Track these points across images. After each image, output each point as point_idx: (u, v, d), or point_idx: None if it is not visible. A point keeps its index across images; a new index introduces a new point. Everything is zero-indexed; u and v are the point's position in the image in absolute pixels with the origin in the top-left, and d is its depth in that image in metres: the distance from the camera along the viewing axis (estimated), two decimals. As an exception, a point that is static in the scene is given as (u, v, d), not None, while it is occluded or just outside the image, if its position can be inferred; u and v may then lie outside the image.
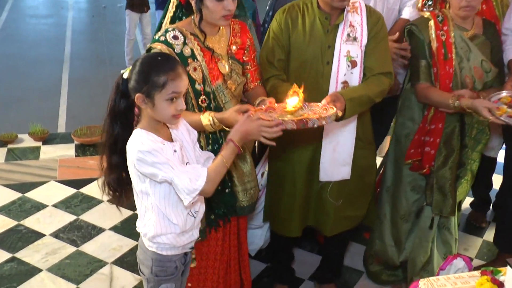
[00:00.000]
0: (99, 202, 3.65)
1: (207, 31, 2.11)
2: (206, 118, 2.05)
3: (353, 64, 2.26)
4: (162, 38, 2.05)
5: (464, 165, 2.53)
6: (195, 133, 1.98)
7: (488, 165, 3.19)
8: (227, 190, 2.26)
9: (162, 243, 1.87)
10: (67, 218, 3.50)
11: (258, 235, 2.81)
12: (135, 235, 3.18)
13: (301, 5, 2.31)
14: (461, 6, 2.33)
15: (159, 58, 1.73)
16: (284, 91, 2.15)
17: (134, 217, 3.11)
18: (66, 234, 3.34)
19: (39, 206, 3.61)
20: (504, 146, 3.06)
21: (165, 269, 1.92)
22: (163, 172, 1.70)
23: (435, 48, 2.37)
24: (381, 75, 2.27)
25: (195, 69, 2.08)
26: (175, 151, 1.79)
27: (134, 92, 1.72)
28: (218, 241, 2.37)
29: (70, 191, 3.81)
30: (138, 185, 1.80)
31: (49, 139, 4.56)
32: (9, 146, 4.41)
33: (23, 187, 3.82)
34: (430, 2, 2.46)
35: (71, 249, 3.20)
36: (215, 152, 2.09)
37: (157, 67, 1.69)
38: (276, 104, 1.99)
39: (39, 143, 4.49)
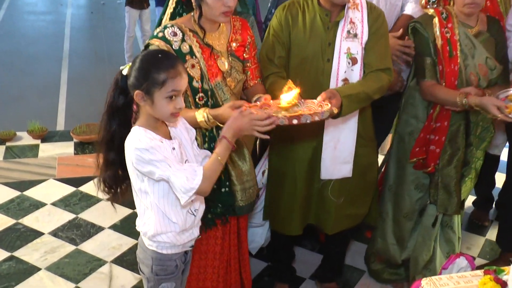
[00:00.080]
0: (99, 200, 3.65)
1: (206, 27, 2.10)
2: (201, 115, 2.04)
3: (354, 61, 2.26)
4: (160, 34, 2.05)
5: (469, 163, 2.53)
6: (194, 131, 1.98)
7: (491, 163, 3.19)
8: (223, 190, 2.24)
9: (162, 241, 1.86)
10: (66, 216, 3.50)
11: (259, 233, 2.81)
12: (135, 234, 3.18)
13: (301, 2, 2.31)
14: (465, 3, 2.32)
15: (159, 55, 1.73)
16: (282, 87, 2.14)
17: (133, 216, 3.11)
18: (65, 232, 3.34)
19: (37, 205, 3.61)
20: (507, 144, 3.06)
21: (165, 268, 1.92)
22: (160, 170, 1.70)
23: (440, 46, 2.36)
24: (379, 71, 2.26)
25: (193, 66, 2.07)
26: (173, 148, 1.79)
27: (133, 89, 1.72)
28: (217, 240, 2.37)
29: (69, 189, 3.81)
30: (137, 183, 1.80)
31: (48, 137, 4.56)
32: (8, 144, 4.41)
33: (22, 185, 3.82)
34: (434, -1, 2.45)
35: (70, 247, 3.20)
36: (212, 150, 2.08)
37: (157, 64, 1.69)
38: (271, 100, 1.99)
39: (37, 141, 4.48)
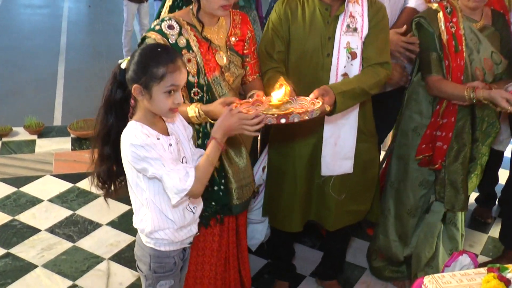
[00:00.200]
0: (96, 196, 3.64)
1: (205, 21, 2.09)
2: (192, 110, 2.04)
3: (353, 55, 2.25)
4: (157, 28, 2.04)
5: (475, 159, 2.54)
6: (191, 129, 1.98)
7: (494, 159, 3.18)
8: (216, 188, 2.23)
9: (160, 238, 1.86)
10: (63, 213, 3.49)
11: (259, 230, 2.81)
12: (133, 231, 3.17)
13: None
14: None
15: (159, 49, 1.72)
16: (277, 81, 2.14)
17: (131, 212, 3.09)
18: (62, 229, 3.33)
19: (34, 201, 3.61)
20: (512, 140, 3.06)
21: (163, 265, 1.91)
22: (153, 168, 1.70)
23: (445, 40, 2.35)
24: (377, 65, 2.25)
25: (189, 60, 2.06)
26: (170, 145, 1.79)
27: (131, 83, 1.71)
28: (214, 237, 2.36)
29: (66, 185, 3.80)
30: (133, 179, 1.80)
31: (44, 132, 4.55)
32: (4, 139, 4.40)
33: (18, 181, 3.81)
34: (438, -6, 2.44)
35: (67, 244, 3.20)
36: (206, 146, 2.08)
37: (156, 59, 1.68)
38: (264, 97, 1.97)
39: (34, 137, 4.48)
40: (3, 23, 8.30)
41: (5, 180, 3.82)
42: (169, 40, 2.02)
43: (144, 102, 1.73)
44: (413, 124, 2.58)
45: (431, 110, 2.51)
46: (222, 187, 2.23)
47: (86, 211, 3.51)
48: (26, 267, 3.00)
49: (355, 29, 2.24)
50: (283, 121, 1.81)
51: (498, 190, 3.51)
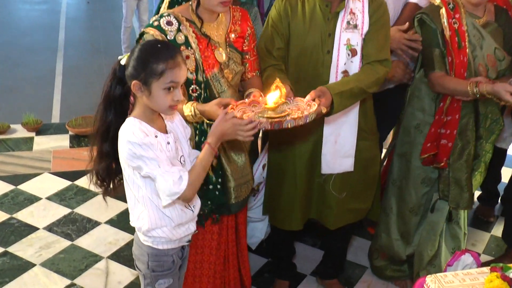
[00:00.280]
0: (95, 194, 3.64)
1: (204, 17, 2.09)
2: (188, 109, 2.04)
3: (353, 52, 2.24)
4: (156, 23, 2.03)
5: (479, 156, 2.53)
6: (189, 130, 1.98)
7: (497, 157, 3.18)
8: (211, 187, 2.22)
9: (158, 236, 1.86)
10: (61, 211, 3.49)
11: (258, 228, 2.81)
12: (132, 229, 3.12)
13: None
14: None
15: (159, 45, 1.72)
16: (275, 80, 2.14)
17: (130, 210, 3.10)
18: (61, 227, 3.33)
19: (32, 199, 3.60)
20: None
21: (161, 264, 1.91)
22: (148, 168, 1.69)
23: (448, 37, 2.35)
24: (376, 63, 2.24)
25: (187, 57, 2.05)
26: (168, 143, 1.78)
27: (130, 79, 1.71)
28: (213, 235, 2.36)
29: (65, 183, 3.80)
30: (129, 176, 1.79)
31: (42, 129, 4.54)
32: (1, 136, 4.40)
33: (16, 179, 3.81)
34: (440, -11, 2.43)
35: (65, 243, 3.19)
36: (200, 145, 2.09)
37: (156, 55, 1.68)
38: (261, 97, 1.97)
39: (32, 134, 4.47)
40: (0, 19, 8.28)
41: (2, 178, 3.81)
42: (167, 36, 2.02)
43: (144, 98, 1.72)
44: (415, 121, 2.57)
45: (433, 107, 2.50)
46: (218, 186, 2.22)
47: (85, 209, 3.51)
48: (24, 266, 2.99)
49: (355, 26, 2.23)
50: (276, 127, 1.81)
51: (501, 188, 3.51)
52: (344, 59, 2.24)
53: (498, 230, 3.38)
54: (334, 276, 2.90)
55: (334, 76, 2.25)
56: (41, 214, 3.45)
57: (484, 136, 2.51)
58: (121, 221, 3.39)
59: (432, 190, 2.63)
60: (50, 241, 3.20)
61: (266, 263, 3.07)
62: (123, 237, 3.25)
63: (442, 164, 2.48)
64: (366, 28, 2.24)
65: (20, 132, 4.49)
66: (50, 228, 3.31)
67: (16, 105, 5.11)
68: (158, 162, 1.69)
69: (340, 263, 2.92)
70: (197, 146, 2.15)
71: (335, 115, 2.20)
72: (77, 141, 4.38)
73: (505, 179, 3.38)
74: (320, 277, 2.94)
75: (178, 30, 2.04)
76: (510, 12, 2.52)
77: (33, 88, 5.68)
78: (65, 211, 3.49)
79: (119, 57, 1.78)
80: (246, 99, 2.01)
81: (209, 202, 2.23)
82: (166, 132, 1.82)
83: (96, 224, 3.38)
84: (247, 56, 2.24)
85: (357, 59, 2.25)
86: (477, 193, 3.60)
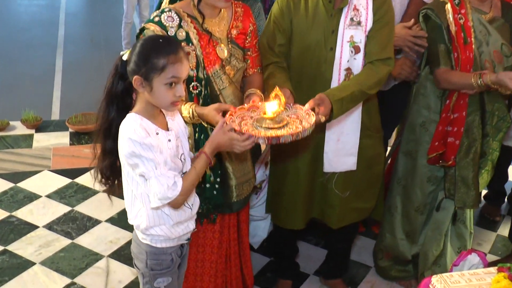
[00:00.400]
0: (95, 192, 3.64)
1: (206, 13, 2.08)
2: (187, 110, 2.05)
3: (356, 49, 2.23)
4: (157, 19, 2.03)
5: (485, 155, 2.53)
6: (187, 129, 1.98)
7: (504, 156, 3.16)
8: (208, 185, 2.21)
9: (156, 235, 1.86)
10: (61, 209, 3.49)
11: (261, 227, 2.81)
12: (133, 228, 3.17)
13: None
14: None
15: (160, 40, 1.72)
16: (278, 82, 2.16)
17: (131, 209, 3.10)
18: (61, 226, 3.33)
19: (32, 197, 3.60)
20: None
21: (160, 262, 1.91)
22: (144, 167, 1.70)
23: (454, 32, 2.34)
24: (379, 61, 2.23)
25: (188, 53, 2.04)
26: (169, 140, 1.78)
27: (132, 74, 1.71)
28: (214, 234, 2.36)
29: (65, 181, 3.80)
30: (128, 172, 1.79)
31: (42, 126, 4.54)
32: (1, 133, 4.40)
33: (15, 177, 3.81)
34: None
35: (65, 241, 3.19)
36: (202, 142, 2.11)
37: (157, 49, 1.68)
38: (260, 102, 1.99)
39: (32, 131, 4.47)
40: (-1, 15, 8.30)
41: (2, 176, 3.81)
42: (168, 32, 2.02)
43: (145, 94, 1.72)
44: (421, 119, 2.56)
45: (439, 104, 2.49)
46: (217, 185, 2.21)
47: (85, 207, 3.51)
48: (24, 265, 3.00)
49: (359, 23, 2.22)
50: (274, 142, 1.84)
51: (508, 187, 3.51)
52: (347, 56, 2.23)
53: (504, 229, 3.38)
54: (337, 276, 2.90)
55: (337, 74, 2.25)
56: (41, 212, 3.45)
57: (490, 133, 2.50)
58: (122, 220, 3.38)
59: (438, 188, 2.62)
60: (50, 239, 3.20)
61: (268, 262, 3.07)
62: (123, 236, 3.25)
63: (450, 162, 2.47)
64: (370, 25, 2.23)
65: (19, 129, 4.49)
66: (50, 227, 3.31)
67: (16, 101, 5.11)
68: (155, 164, 1.70)
69: (343, 263, 2.91)
70: (196, 143, 2.15)
71: None
72: (77, 138, 4.38)
73: (512, 177, 3.38)
74: (324, 276, 2.94)
75: (179, 26, 2.04)
76: (517, 7, 2.52)
77: (33, 84, 5.68)
78: (65, 209, 3.49)
79: (121, 53, 1.78)
80: (246, 104, 2.02)
81: (206, 201, 2.22)
82: (167, 129, 1.82)
83: (96, 222, 3.38)
84: (248, 53, 2.24)
85: (360, 56, 2.24)
86: (483, 192, 3.59)
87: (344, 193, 2.46)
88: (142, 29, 2.03)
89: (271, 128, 1.86)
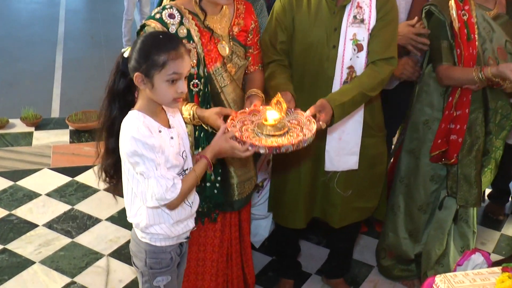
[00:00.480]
0: (95, 191, 3.64)
1: (208, 10, 2.08)
2: (187, 111, 2.05)
3: (359, 48, 2.23)
4: (158, 16, 2.03)
5: (488, 153, 2.52)
6: (188, 127, 1.99)
7: (508, 154, 3.15)
8: (208, 184, 2.21)
9: (156, 233, 1.86)
10: (61, 207, 3.49)
11: (262, 226, 2.81)
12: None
13: None
14: None
15: (160, 36, 1.72)
16: (280, 83, 2.17)
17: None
18: (60, 224, 3.33)
19: (31, 195, 3.60)
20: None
21: (159, 261, 1.91)
22: (144, 167, 1.70)
23: (457, 29, 2.33)
24: (382, 61, 2.22)
25: (189, 51, 2.04)
26: (171, 138, 1.79)
27: (133, 71, 1.71)
28: (216, 232, 2.36)
29: (65, 179, 3.80)
30: (129, 170, 1.79)
31: (42, 124, 4.54)
32: (0, 131, 4.40)
33: (15, 175, 3.81)
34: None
35: (65, 240, 3.20)
36: (202, 140, 2.12)
37: (158, 46, 1.68)
38: (261, 106, 2.01)
39: (31, 129, 4.47)
40: (-1, 11, 8.29)
41: (1, 174, 3.82)
42: (169, 29, 2.01)
43: (147, 91, 1.72)
44: (423, 117, 2.56)
45: (442, 102, 2.49)
46: (217, 184, 2.21)
47: (85, 206, 3.51)
48: (23, 264, 3.00)
49: (362, 20, 2.21)
50: (275, 152, 1.87)
51: (512, 186, 3.51)
52: (350, 55, 2.23)
53: (508, 228, 3.37)
54: (339, 275, 2.90)
55: (340, 72, 2.24)
56: (41, 211, 3.45)
57: (493, 131, 2.50)
58: (122, 218, 3.38)
59: (441, 187, 2.62)
60: (49, 238, 3.21)
61: (270, 261, 3.07)
62: (124, 235, 3.25)
63: (453, 160, 2.47)
64: (373, 23, 2.22)
65: (19, 127, 4.49)
66: (49, 225, 3.32)
67: (15, 99, 5.11)
68: (156, 165, 1.70)
69: (345, 262, 2.91)
70: (196, 141, 2.15)
71: None
72: (77, 136, 4.38)
73: (516, 176, 3.37)
74: (326, 276, 2.94)
75: (181, 23, 2.03)
76: (522, 4, 2.51)
77: (32, 81, 5.68)
78: (65, 207, 3.49)
79: (122, 50, 1.78)
80: (247, 108, 2.03)
81: (207, 200, 2.22)
82: (169, 126, 1.82)
83: (96, 221, 3.38)
84: (250, 50, 2.24)
85: (363, 54, 2.23)
86: (487, 191, 3.58)
87: (346, 192, 2.46)
88: (143, 26, 2.03)
89: (272, 135, 1.89)
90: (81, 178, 3.80)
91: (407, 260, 2.86)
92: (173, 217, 1.85)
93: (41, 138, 4.35)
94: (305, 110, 2.09)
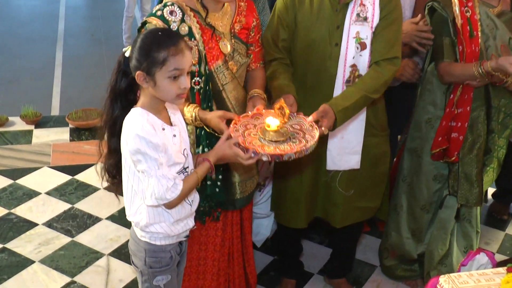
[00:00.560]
0: (95, 189, 3.64)
1: (210, 7, 2.07)
2: (190, 113, 2.05)
3: (363, 46, 2.22)
4: (159, 13, 2.02)
5: (490, 151, 2.51)
6: (189, 126, 1.99)
7: (512, 153, 3.15)
8: (209, 182, 2.21)
9: (156, 232, 1.86)
10: (61, 206, 3.49)
11: (264, 225, 2.80)
12: (134, 225, 3.18)
13: None
14: None
15: (159, 33, 1.72)
16: (282, 85, 2.17)
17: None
18: (60, 223, 3.33)
19: (31, 194, 3.61)
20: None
21: (159, 260, 1.91)
22: (146, 166, 1.70)
23: (459, 25, 2.32)
24: (385, 61, 2.21)
25: (191, 48, 2.04)
26: (174, 136, 1.79)
27: (134, 70, 1.71)
28: (217, 231, 2.36)
29: (65, 177, 3.80)
30: (130, 167, 1.79)
31: (42, 122, 4.54)
32: None
33: (15, 173, 3.81)
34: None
35: (65, 239, 3.20)
36: (203, 138, 2.12)
37: (157, 43, 1.68)
38: (264, 110, 2.02)
39: (31, 127, 4.47)
40: (-2, 8, 8.30)
41: (1, 172, 3.82)
42: (171, 27, 2.01)
43: (150, 90, 1.72)
44: (426, 116, 2.55)
45: (445, 101, 2.49)
46: (219, 182, 2.21)
47: (85, 205, 3.51)
48: (23, 263, 3.00)
49: (365, 18, 2.21)
50: (277, 160, 1.88)
51: (516, 185, 3.49)
52: (353, 53, 2.22)
53: (513, 228, 3.37)
54: (342, 275, 2.89)
55: (342, 70, 2.23)
56: (40, 210, 3.45)
57: (496, 130, 2.49)
58: (123, 217, 3.33)
59: (444, 187, 2.62)
60: (49, 237, 3.21)
61: (272, 261, 3.07)
62: (124, 234, 3.25)
63: (453, 158, 2.47)
64: (376, 21, 2.21)
65: (18, 124, 4.49)
66: (49, 224, 3.32)
67: (15, 97, 5.11)
68: (158, 164, 1.70)
69: (348, 262, 2.91)
70: (198, 139, 2.16)
71: None
72: (77, 134, 4.38)
73: (521, 175, 3.35)
74: (328, 276, 2.93)
75: (182, 20, 2.03)
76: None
77: (32, 79, 5.68)
78: (65, 206, 3.49)
79: (123, 49, 1.78)
80: (249, 112, 2.04)
81: (208, 199, 2.22)
82: (171, 124, 1.82)
83: (97, 220, 3.38)
84: (251, 48, 2.24)
85: (366, 53, 2.23)
86: (491, 190, 3.58)
87: (348, 191, 2.45)
88: (144, 23, 2.03)
89: (275, 141, 1.90)
90: (81, 176, 3.80)
91: (410, 260, 2.86)
92: (173, 215, 1.85)
93: (41, 136, 4.35)
94: (306, 108, 2.08)
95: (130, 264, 2.95)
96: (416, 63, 2.68)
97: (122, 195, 1.92)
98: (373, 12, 2.20)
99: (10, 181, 3.72)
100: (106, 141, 1.86)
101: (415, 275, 2.90)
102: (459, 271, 2.03)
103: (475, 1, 2.35)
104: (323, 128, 2.00)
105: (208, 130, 2.09)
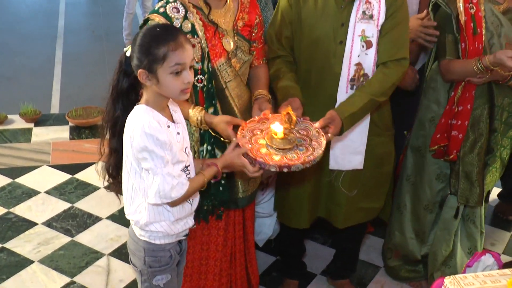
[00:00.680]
0: (96, 188, 3.64)
1: (212, 4, 2.07)
2: (195, 116, 2.07)
3: (368, 44, 2.21)
4: (162, 10, 2.02)
5: (493, 151, 2.50)
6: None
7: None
8: (212, 181, 2.21)
9: (155, 231, 1.86)
10: (61, 205, 3.49)
11: (266, 224, 2.80)
12: (134, 225, 3.18)
13: None
14: None
15: (158, 29, 1.71)
16: (287, 87, 2.18)
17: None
18: (60, 223, 3.33)
19: (30, 193, 3.61)
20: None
21: (158, 259, 1.91)
22: (153, 164, 1.70)
23: (463, 22, 2.32)
24: (393, 62, 2.20)
25: (193, 46, 2.04)
26: (178, 133, 1.80)
27: (136, 69, 1.71)
28: (219, 231, 2.36)
29: (64, 176, 3.80)
30: (132, 165, 1.79)
31: (41, 120, 4.55)
32: (-1, 127, 4.41)
33: (14, 172, 3.81)
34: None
35: (65, 239, 3.20)
36: (207, 135, 2.13)
37: (156, 39, 1.68)
38: (270, 114, 2.04)
39: (30, 125, 4.48)
40: (-3, 5, 8.30)
41: (0, 171, 3.82)
42: (173, 24, 2.01)
43: (153, 87, 1.72)
44: (430, 114, 2.55)
45: (447, 98, 2.48)
46: (222, 181, 2.21)
47: (85, 204, 3.51)
48: (22, 263, 3.00)
49: (371, 16, 2.20)
50: (285, 170, 1.90)
51: (523, 185, 3.48)
52: (358, 51, 2.21)
53: (519, 229, 3.37)
54: (345, 276, 2.89)
55: (347, 68, 2.23)
56: (40, 209, 3.45)
57: (499, 129, 2.48)
58: (123, 217, 3.32)
59: (447, 186, 2.61)
60: (49, 237, 3.21)
61: (274, 261, 3.07)
62: (125, 233, 3.24)
63: (452, 156, 2.46)
64: (382, 19, 2.20)
65: (18, 123, 4.49)
66: (49, 224, 3.32)
67: (14, 94, 5.12)
68: (164, 162, 1.70)
69: (351, 263, 2.90)
70: (202, 137, 2.16)
71: None
72: (77, 132, 4.38)
73: (527, 175, 3.34)
74: (331, 277, 2.93)
75: (185, 17, 2.03)
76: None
77: (32, 77, 5.68)
78: (65, 205, 3.49)
79: (124, 49, 1.78)
80: (256, 117, 2.05)
81: (212, 198, 2.22)
82: (173, 121, 1.82)
83: (97, 219, 3.38)
84: (254, 44, 2.24)
85: (372, 51, 2.22)
86: (497, 190, 3.57)
87: (351, 192, 2.45)
88: (146, 20, 2.03)
89: (282, 149, 1.91)
90: (81, 175, 3.80)
91: (414, 261, 2.85)
92: (174, 214, 1.85)
93: (41, 134, 4.35)
94: (310, 106, 2.08)
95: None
96: (415, 71, 2.68)
97: (122, 194, 1.92)
98: (379, 10, 2.19)
99: (9, 180, 3.73)
100: (107, 140, 1.86)
101: (419, 276, 2.90)
102: (464, 272, 2.03)
103: (480, -2, 2.35)
104: (329, 135, 2.03)
105: (213, 134, 2.10)
